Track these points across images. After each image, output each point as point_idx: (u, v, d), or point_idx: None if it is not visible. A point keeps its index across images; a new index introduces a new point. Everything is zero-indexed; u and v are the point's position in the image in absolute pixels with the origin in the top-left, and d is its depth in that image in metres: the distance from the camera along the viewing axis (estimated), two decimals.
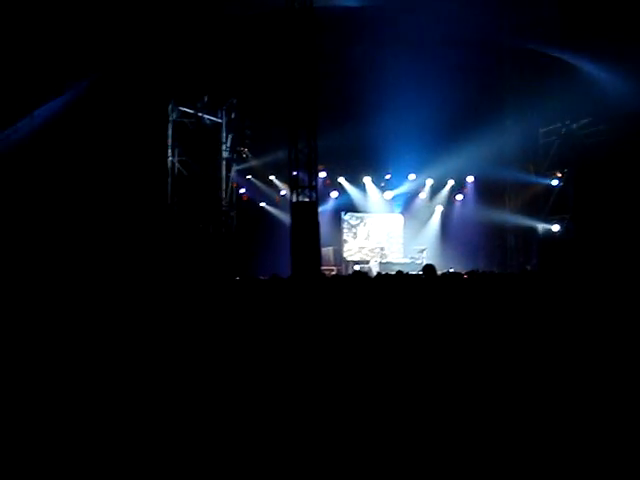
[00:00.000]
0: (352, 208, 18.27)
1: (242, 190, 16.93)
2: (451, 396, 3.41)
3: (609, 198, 13.41)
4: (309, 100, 11.75)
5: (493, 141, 15.41)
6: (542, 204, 16.39)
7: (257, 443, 2.94)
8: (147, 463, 2.78)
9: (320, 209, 12.85)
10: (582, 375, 3.58)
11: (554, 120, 15.78)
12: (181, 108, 15.04)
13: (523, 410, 3.19)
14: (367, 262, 17.38)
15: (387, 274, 7.74)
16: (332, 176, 17.54)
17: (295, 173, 12.18)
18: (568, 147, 15.55)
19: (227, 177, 16.19)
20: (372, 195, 18.51)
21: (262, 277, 9.71)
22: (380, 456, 2.82)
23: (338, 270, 16.82)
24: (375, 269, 16.17)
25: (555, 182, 16.12)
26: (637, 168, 12.59)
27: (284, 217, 15.67)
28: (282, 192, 16.92)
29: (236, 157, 16.37)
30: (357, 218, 18.28)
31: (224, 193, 16.04)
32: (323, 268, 14.39)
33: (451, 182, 18.39)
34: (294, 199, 12.08)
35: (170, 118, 14.96)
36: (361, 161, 17.50)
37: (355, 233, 18.18)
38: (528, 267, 15.90)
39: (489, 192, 17.46)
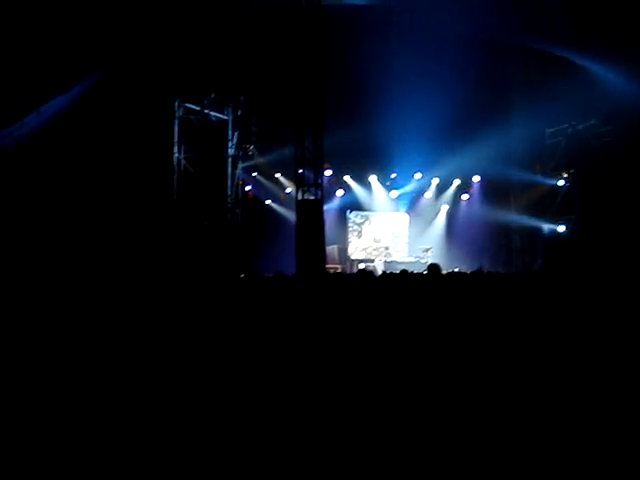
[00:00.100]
0: (357, 206, 18.30)
1: (248, 187, 16.94)
2: (456, 395, 3.41)
3: (615, 199, 13.38)
4: (315, 98, 11.73)
5: (499, 141, 15.36)
6: (548, 204, 16.35)
7: (260, 440, 2.95)
8: (149, 461, 2.79)
9: (325, 207, 12.81)
10: (587, 375, 3.57)
11: (561, 120, 15.74)
12: (187, 105, 15.02)
13: (528, 409, 3.19)
14: (372, 261, 17.39)
15: (392, 273, 7.74)
16: (338, 174, 17.52)
17: (301, 171, 12.16)
18: (574, 148, 15.50)
19: (233, 174, 16.20)
20: (378, 194, 18.51)
21: (266, 274, 9.71)
22: (383, 454, 2.83)
23: (343, 268, 16.83)
24: (380, 268, 16.17)
25: (561, 183, 16.08)
26: None
27: (289, 215, 15.69)
28: (287, 190, 16.94)
29: (242, 154, 16.38)
30: (362, 217, 18.29)
31: (230, 190, 16.06)
32: (328, 266, 14.39)
33: (457, 181, 18.39)
34: (299, 197, 12.06)
35: (176, 115, 14.94)
36: (367, 159, 17.47)
37: (360, 232, 18.18)
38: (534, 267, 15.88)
39: (495, 192, 17.44)
